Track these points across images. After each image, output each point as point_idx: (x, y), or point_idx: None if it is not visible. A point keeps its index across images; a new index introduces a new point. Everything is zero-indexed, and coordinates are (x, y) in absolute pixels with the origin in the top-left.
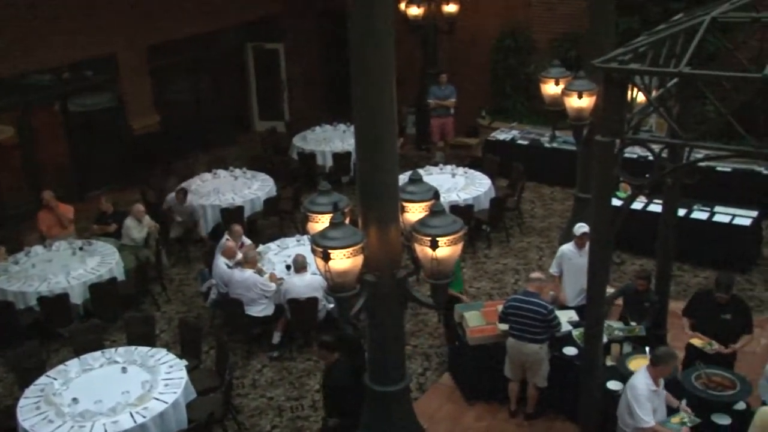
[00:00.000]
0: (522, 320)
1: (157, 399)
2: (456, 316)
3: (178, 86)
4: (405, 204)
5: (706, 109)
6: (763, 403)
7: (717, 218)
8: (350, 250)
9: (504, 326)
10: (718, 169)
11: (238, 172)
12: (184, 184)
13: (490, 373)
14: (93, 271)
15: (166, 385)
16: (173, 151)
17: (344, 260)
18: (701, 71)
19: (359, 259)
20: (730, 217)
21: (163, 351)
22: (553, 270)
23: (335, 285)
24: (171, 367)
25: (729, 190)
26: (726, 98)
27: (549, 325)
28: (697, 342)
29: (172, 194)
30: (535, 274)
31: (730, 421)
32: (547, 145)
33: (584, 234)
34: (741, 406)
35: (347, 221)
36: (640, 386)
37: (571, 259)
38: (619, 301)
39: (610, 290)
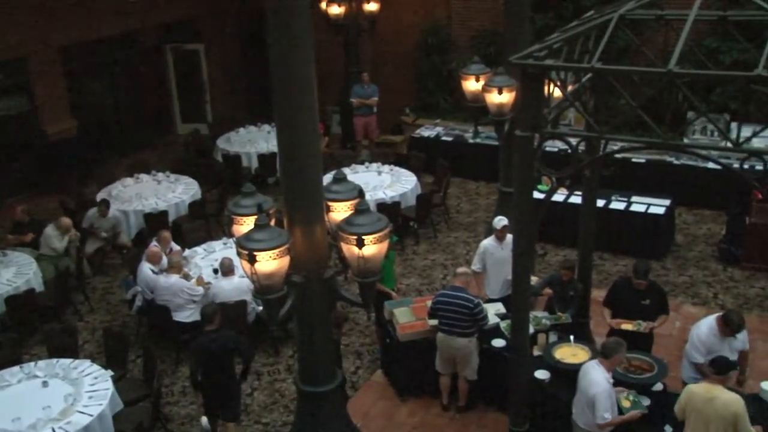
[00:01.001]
0: (450, 315)
1: (81, 412)
2: (386, 314)
3: (95, 89)
4: (330, 203)
5: (619, 102)
6: (684, 383)
7: (634, 208)
8: (276, 251)
9: (434, 322)
10: (634, 160)
11: (161, 176)
12: (105, 190)
13: (422, 368)
14: (9, 282)
15: (91, 397)
16: (91, 157)
17: (270, 262)
18: (611, 66)
19: (285, 261)
20: (645, 207)
21: (87, 362)
22: (475, 267)
23: (262, 287)
24: (96, 378)
25: (644, 180)
26: (637, 92)
27: (476, 318)
28: (628, 326)
29: (93, 210)
30: (462, 269)
31: (650, 401)
32: (470, 141)
33: (504, 227)
34: (659, 387)
35: (272, 223)
36: (602, 382)
37: (494, 253)
38: (546, 292)
39: (534, 279)
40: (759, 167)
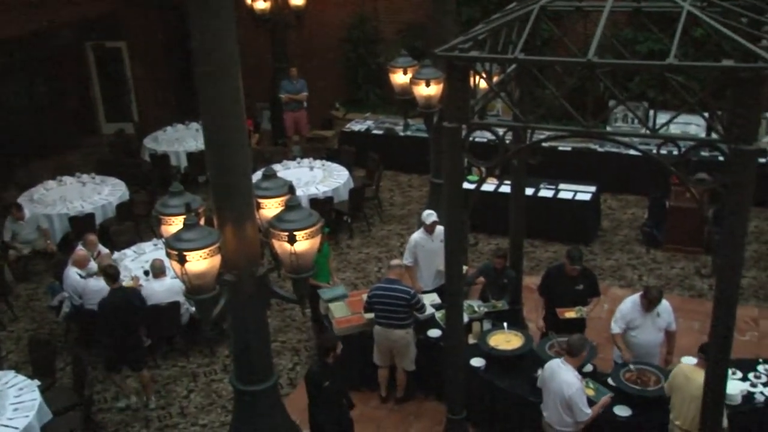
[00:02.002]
0: (387, 307)
1: (6, 426)
2: (321, 308)
3: (11, 89)
4: (260, 200)
5: (545, 93)
6: (615, 363)
7: (561, 195)
8: (206, 251)
9: (369, 315)
10: (560, 149)
11: (86, 177)
12: (26, 194)
13: (359, 361)
14: None
15: (16, 409)
16: (9, 160)
17: (201, 261)
18: (534, 57)
19: (216, 260)
20: (572, 194)
21: (11, 373)
22: (406, 261)
23: (193, 287)
24: (21, 389)
25: (570, 168)
26: (561, 82)
27: (414, 309)
28: (571, 314)
29: (9, 218)
30: (395, 261)
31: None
32: (401, 133)
33: (434, 222)
34: (588, 368)
35: (202, 222)
36: (575, 382)
37: (424, 245)
38: (480, 281)
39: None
40: (676, 152)
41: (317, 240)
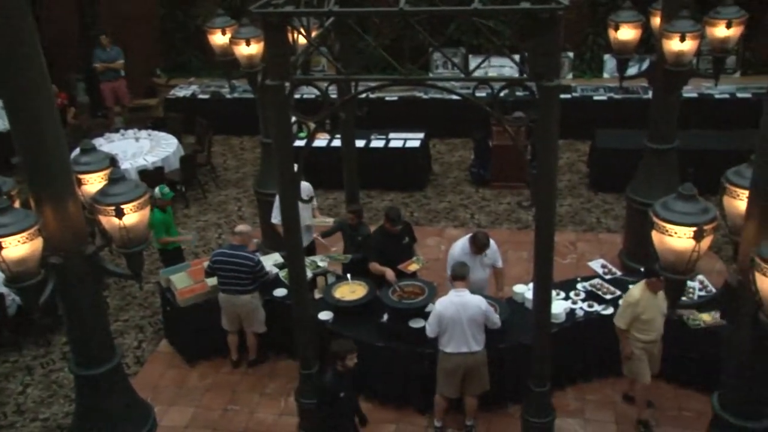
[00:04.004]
0: (230, 273)
1: None
2: (162, 282)
3: None
4: (81, 176)
5: (366, 44)
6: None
7: (392, 144)
8: (24, 235)
9: (212, 281)
10: (387, 99)
11: None
12: None
13: (206, 329)
14: None
15: None
16: None
17: (19, 247)
18: (348, 9)
19: (38, 243)
20: (402, 142)
21: None
22: (275, 219)
23: (14, 275)
24: None
25: (399, 117)
26: (380, 33)
27: (257, 275)
28: (413, 266)
29: None
30: (240, 227)
31: (424, 323)
32: (228, 96)
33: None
34: (431, 308)
35: (17, 204)
36: (480, 298)
37: None
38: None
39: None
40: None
41: (146, 212)
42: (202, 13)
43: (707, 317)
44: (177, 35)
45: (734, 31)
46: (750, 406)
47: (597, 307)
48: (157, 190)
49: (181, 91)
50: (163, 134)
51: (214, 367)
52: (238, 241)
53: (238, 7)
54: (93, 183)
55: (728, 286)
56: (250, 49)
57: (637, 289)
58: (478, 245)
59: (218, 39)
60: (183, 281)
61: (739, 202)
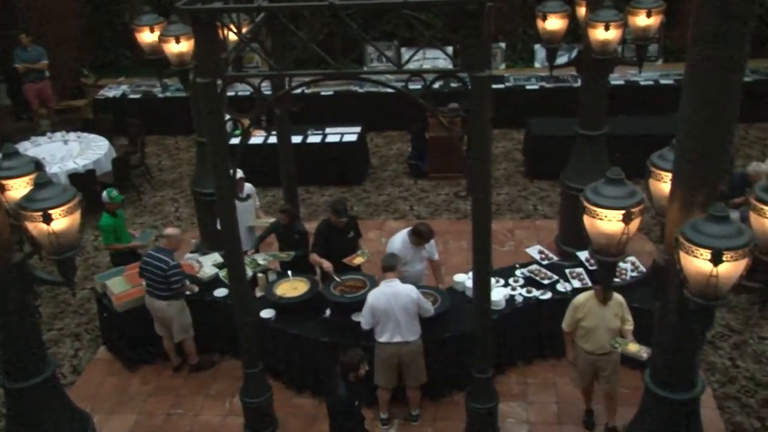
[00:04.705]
0: (150, 276)
1: None
2: (98, 287)
3: None
4: (3, 182)
5: (300, 39)
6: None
7: (329, 139)
8: None
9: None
10: (323, 93)
11: None
12: None
13: (145, 334)
14: None
15: None
16: None
17: None
18: (277, 4)
19: None
20: (339, 136)
21: None
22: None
23: None
24: None
25: (335, 111)
26: (313, 27)
27: (169, 282)
28: (359, 260)
29: None
30: (169, 231)
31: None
32: (160, 95)
33: (240, 179)
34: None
35: None
36: (411, 287)
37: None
38: None
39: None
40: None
41: (77, 216)
42: (129, 10)
43: (633, 347)
44: (104, 34)
45: (654, 20)
46: (678, 378)
47: (535, 293)
48: (105, 193)
49: (111, 92)
50: (93, 136)
51: (156, 372)
52: (164, 245)
53: (166, 3)
54: (17, 188)
55: (656, 266)
56: (180, 47)
57: (584, 295)
58: (423, 236)
59: (146, 37)
60: (119, 286)
61: (663, 184)
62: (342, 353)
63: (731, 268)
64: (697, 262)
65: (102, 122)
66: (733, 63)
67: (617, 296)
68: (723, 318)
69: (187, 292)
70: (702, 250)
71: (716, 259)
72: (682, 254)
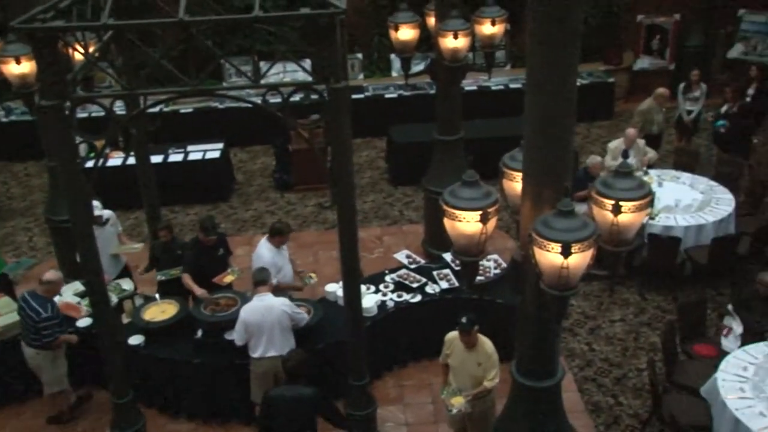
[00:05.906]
0: (24, 320)
1: None
2: None
3: None
4: None
5: (148, 57)
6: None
7: (191, 157)
8: None
9: (2, 320)
10: (182, 111)
11: None
12: None
13: (4, 373)
14: None
15: None
16: None
17: None
18: (123, 22)
19: None
20: (202, 153)
21: None
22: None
23: None
24: None
25: (196, 129)
26: (166, 45)
27: (40, 332)
28: (230, 278)
29: None
30: (48, 275)
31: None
32: (3, 119)
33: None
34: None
35: None
36: (282, 299)
37: (98, 236)
38: None
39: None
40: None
41: None
42: None
43: (455, 400)
44: None
45: (498, 29)
46: (541, 367)
47: (406, 296)
48: None
49: None
50: None
51: (15, 414)
52: (41, 291)
53: (2, 20)
54: None
55: (514, 262)
56: (21, 68)
57: (454, 332)
58: (284, 231)
59: None
60: None
61: (515, 183)
62: (283, 361)
63: (580, 258)
64: (550, 256)
65: None
66: (567, 67)
67: (487, 347)
68: (579, 306)
69: (62, 345)
70: (553, 244)
71: (566, 252)
72: (535, 249)
